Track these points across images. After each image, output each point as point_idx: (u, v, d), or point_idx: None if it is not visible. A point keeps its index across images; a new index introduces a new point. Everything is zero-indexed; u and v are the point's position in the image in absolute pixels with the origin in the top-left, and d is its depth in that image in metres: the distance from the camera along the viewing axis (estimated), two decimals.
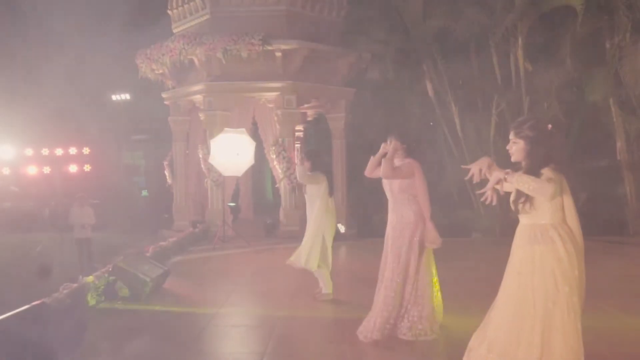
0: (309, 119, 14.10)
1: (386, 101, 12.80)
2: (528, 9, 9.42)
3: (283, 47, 10.38)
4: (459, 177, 10.78)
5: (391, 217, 4.30)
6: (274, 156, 10.78)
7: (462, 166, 2.96)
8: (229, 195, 11.47)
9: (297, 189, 11.10)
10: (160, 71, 11.70)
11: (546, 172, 2.71)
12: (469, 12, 9.48)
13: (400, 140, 4.29)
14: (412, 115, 12.12)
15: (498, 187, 2.82)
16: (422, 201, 4.21)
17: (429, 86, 10.72)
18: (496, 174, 2.73)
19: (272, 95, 10.77)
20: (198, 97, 11.15)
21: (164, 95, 12.39)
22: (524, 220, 2.85)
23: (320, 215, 5.47)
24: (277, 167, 10.89)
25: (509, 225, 9.58)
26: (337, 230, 6.21)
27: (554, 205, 2.72)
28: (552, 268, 2.68)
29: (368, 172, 4.46)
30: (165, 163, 12.55)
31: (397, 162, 4.34)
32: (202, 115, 11.00)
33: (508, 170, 2.72)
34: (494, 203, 2.82)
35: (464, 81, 11.24)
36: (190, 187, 12.41)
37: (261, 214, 14.10)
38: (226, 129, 9.67)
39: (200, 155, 10.96)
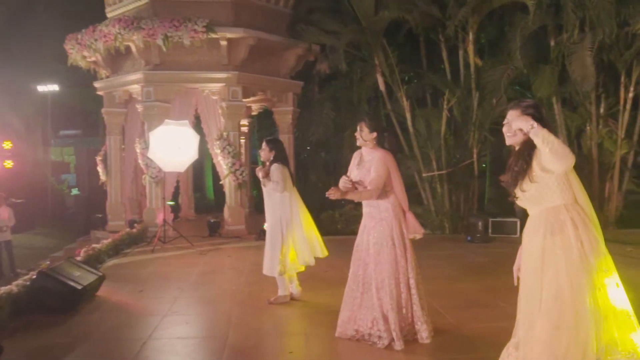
0: (254, 113, 13.60)
1: (334, 96, 12.51)
2: (479, 4, 9.36)
3: (228, 35, 9.80)
4: (409, 173, 10.66)
5: (367, 211, 3.97)
6: (219, 151, 10.18)
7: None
8: (169, 193, 10.74)
9: (243, 186, 10.60)
10: (93, 58, 10.78)
11: None
12: (422, 4, 9.29)
13: (370, 128, 3.94)
14: (361, 110, 11.88)
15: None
16: (399, 192, 3.95)
17: (380, 80, 10.47)
18: (525, 121, 2.37)
19: (216, 86, 10.17)
20: (135, 87, 10.34)
21: (97, 85, 11.45)
22: (531, 208, 2.55)
23: (284, 211, 5.03)
24: (222, 163, 10.29)
25: (459, 221, 9.56)
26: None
27: (561, 184, 2.43)
28: (565, 259, 2.38)
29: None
30: (99, 159, 11.63)
31: (365, 154, 4.01)
32: (139, 107, 10.21)
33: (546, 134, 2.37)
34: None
35: (415, 75, 11.11)
36: (127, 184, 11.58)
37: (202, 212, 13.47)
38: (167, 120, 8.98)
39: (138, 150, 10.18)
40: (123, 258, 7.97)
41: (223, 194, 11.37)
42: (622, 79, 9.92)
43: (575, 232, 2.39)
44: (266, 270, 5.11)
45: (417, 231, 3.96)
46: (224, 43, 9.87)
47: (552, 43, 10.06)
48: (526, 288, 2.55)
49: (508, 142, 2.59)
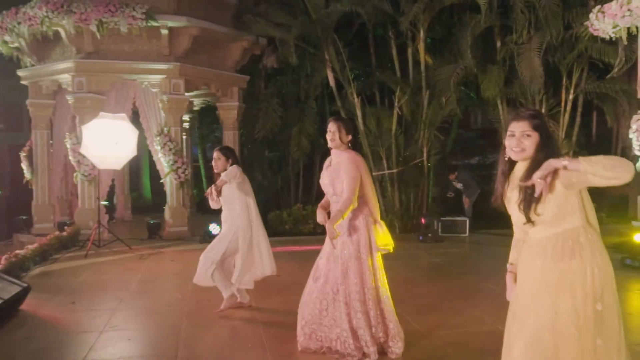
0: (195, 108, 12.97)
1: (280, 92, 12.10)
2: (431, 0, 9.25)
3: (170, 24, 9.17)
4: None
5: None
6: (159, 148, 9.51)
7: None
8: (104, 192, 9.93)
9: (185, 185, 10.01)
10: (16, 44, 9.78)
11: None
12: None
13: (347, 130, 3.63)
14: (309, 107, 11.55)
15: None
16: (371, 199, 3.63)
17: (330, 75, 10.16)
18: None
19: (156, 78, 9.50)
20: (65, 77, 9.46)
21: (20, 73, 10.40)
22: (543, 230, 2.21)
23: (243, 222, 4.64)
24: (162, 161, 9.63)
25: (409, 221, 9.40)
26: None
27: (577, 202, 2.17)
28: (583, 284, 2.12)
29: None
30: (23, 155, 10.58)
31: (334, 156, 3.68)
32: (70, 99, 9.35)
33: (565, 157, 2.07)
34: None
35: (363, 73, 10.90)
36: (55, 183, 10.63)
37: (140, 213, 12.69)
38: (102, 113, 8.23)
39: (69, 146, 9.33)
40: (52, 265, 7.19)
41: (161, 193, 10.71)
42: (564, 80, 10.18)
43: (592, 257, 2.14)
44: (197, 280, 4.67)
45: (387, 244, 3.62)
46: (165, 32, 9.24)
47: (499, 44, 10.16)
48: (524, 316, 2.24)
49: (516, 157, 2.26)
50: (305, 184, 12.96)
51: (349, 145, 3.65)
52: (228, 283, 4.74)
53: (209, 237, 8.94)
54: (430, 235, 8.78)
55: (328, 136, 3.65)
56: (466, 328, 4.41)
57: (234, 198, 4.64)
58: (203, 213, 13.09)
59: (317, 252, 3.84)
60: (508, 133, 2.31)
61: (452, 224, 9.41)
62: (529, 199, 2.17)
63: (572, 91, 10.26)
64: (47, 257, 7.49)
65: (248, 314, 4.79)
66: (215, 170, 4.75)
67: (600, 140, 13.40)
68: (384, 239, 3.56)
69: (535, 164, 2.19)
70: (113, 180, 10.97)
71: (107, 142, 7.90)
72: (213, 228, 9.01)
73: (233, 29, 10.19)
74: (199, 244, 8.79)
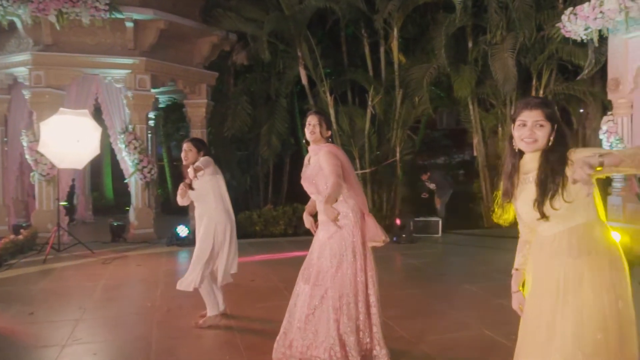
0: (160, 105, 12.52)
1: (249, 89, 11.80)
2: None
3: (135, 16, 8.76)
4: None
5: (323, 219, 3.36)
6: (123, 146, 9.07)
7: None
8: (63, 192, 9.40)
9: (151, 185, 9.59)
10: None
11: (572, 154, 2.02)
12: None
13: (327, 124, 3.43)
14: (279, 105, 11.30)
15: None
16: (357, 191, 3.39)
17: (302, 73, 9.94)
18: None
19: (121, 73, 9.05)
20: (22, 70, 8.89)
21: None
22: (556, 225, 2.06)
23: (220, 219, 4.36)
24: (127, 160, 9.20)
25: (381, 221, 9.23)
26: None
27: (591, 195, 2.02)
28: (601, 281, 1.98)
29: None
30: None
31: (312, 151, 3.46)
32: (27, 94, 8.79)
33: (597, 152, 1.90)
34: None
35: (334, 72, 10.71)
36: (10, 183, 10.01)
37: (101, 214, 12.16)
38: (62, 109, 7.75)
39: (25, 143, 8.77)
40: (7, 272, 6.69)
41: (123, 194, 10.26)
42: (534, 82, 10.27)
43: (608, 253, 2.00)
44: (180, 284, 4.35)
45: (377, 238, 3.39)
46: (130, 25, 8.83)
47: (470, 44, 10.18)
48: (537, 317, 2.08)
49: (527, 148, 2.09)
50: (275, 184, 12.69)
51: (329, 140, 3.45)
52: (216, 300, 4.41)
53: (177, 240, 8.61)
54: (404, 236, 8.68)
55: (308, 129, 3.43)
56: (452, 333, 4.27)
57: (207, 191, 4.34)
58: (168, 214, 12.67)
59: (293, 259, 3.61)
60: (518, 122, 2.13)
61: (425, 225, 9.34)
62: (545, 193, 2.01)
63: (541, 92, 10.37)
64: (1, 262, 6.97)
65: (224, 322, 4.51)
66: (185, 163, 4.44)
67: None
68: (373, 232, 3.35)
69: (551, 157, 2.03)
70: (73, 180, 10.44)
71: (68, 140, 7.43)
72: (181, 230, 8.66)
73: (202, 24, 9.84)
74: (165, 247, 8.43)
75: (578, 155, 1.95)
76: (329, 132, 3.43)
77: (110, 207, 13.97)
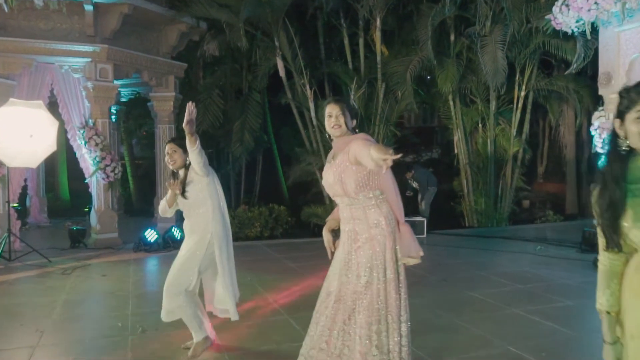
0: (122, 99, 11.62)
1: (219, 82, 11.09)
2: None
3: None
4: (310, 169, 9.67)
5: (349, 229, 2.76)
6: (83, 143, 8.23)
7: None
8: (15, 194, 8.45)
9: (115, 185, 8.77)
10: None
11: None
12: None
13: (352, 114, 2.80)
14: (252, 99, 10.64)
15: None
16: (392, 196, 2.75)
17: (279, 65, 9.30)
18: None
19: (79, 61, 8.19)
20: None
21: None
22: None
23: (219, 223, 3.67)
24: (87, 157, 8.35)
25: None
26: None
27: None
28: None
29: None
30: None
31: (337, 146, 2.81)
32: None
33: None
34: None
35: (314, 63, 10.12)
36: None
37: (57, 217, 11.19)
38: (13, 99, 6.87)
39: None
40: None
41: (82, 194, 9.38)
42: (517, 77, 10.01)
43: None
44: (163, 315, 3.69)
45: (413, 253, 2.73)
46: (89, 8, 8.00)
47: (452, 37, 9.81)
48: None
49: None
50: (247, 184, 12.01)
51: (356, 131, 2.84)
52: (199, 321, 3.70)
53: (144, 245, 7.86)
54: None
55: (330, 122, 2.79)
56: (474, 352, 3.79)
57: (204, 199, 3.66)
58: (131, 215, 11.80)
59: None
60: (636, 114, 1.62)
61: (409, 225, 8.89)
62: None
63: (524, 87, 10.12)
64: None
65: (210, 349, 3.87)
66: (171, 167, 3.77)
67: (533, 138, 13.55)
68: (408, 246, 2.74)
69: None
70: (26, 180, 9.46)
71: (20, 135, 6.59)
72: (149, 235, 7.92)
73: (170, 9, 9.07)
74: (132, 253, 7.67)
75: None
76: (354, 122, 2.83)
77: (67, 210, 12.96)
